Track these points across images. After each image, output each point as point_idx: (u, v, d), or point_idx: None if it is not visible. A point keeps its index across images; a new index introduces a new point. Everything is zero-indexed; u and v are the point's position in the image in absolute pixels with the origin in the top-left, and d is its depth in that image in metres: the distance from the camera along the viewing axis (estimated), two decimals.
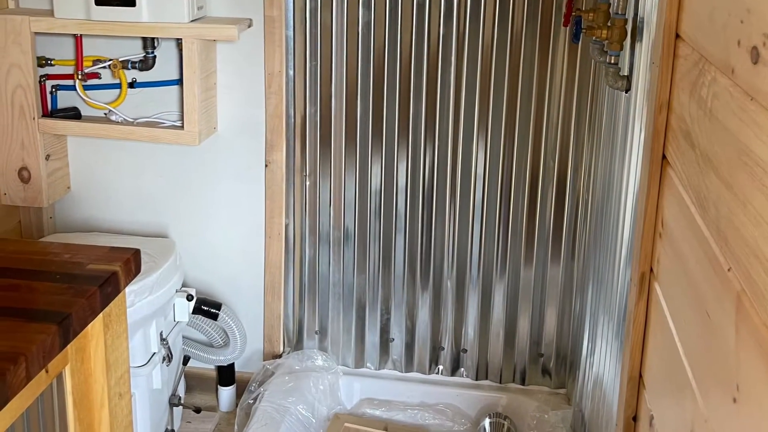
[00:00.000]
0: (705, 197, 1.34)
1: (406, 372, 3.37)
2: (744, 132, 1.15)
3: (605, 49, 2.22)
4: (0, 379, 1.23)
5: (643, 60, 2.01)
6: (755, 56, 1.11)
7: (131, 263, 1.66)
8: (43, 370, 1.38)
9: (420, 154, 3.12)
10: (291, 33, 3.05)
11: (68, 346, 1.45)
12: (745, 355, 1.09)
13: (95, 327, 1.56)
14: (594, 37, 2.23)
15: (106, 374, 1.61)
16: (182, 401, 3.15)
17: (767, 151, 1.04)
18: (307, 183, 3.20)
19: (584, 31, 2.23)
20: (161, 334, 2.88)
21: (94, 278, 1.55)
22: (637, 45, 2.09)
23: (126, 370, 1.71)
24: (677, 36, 1.64)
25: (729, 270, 1.19)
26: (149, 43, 3.02)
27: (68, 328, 1.41)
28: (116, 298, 1.61)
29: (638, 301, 1.79)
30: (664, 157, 1.70)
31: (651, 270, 1.76)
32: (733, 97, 1.21)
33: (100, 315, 1.56)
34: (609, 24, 2.20)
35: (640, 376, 1.83)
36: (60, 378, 1.51)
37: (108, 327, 1.61)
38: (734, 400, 1.13)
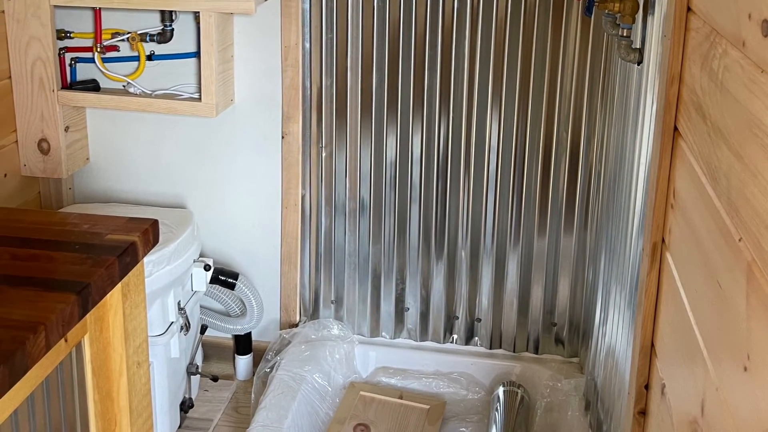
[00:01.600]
0: (716, 168, 1.34)
1: (420, 341, 3.38)
2: (755, 104, 1.14)
3: (617, 22, 2.21)
4: (20, 348, 1.23)
5: (655, 33, 2.00)
6: (766, 29, 1.11)
7: (149, 234, 1.66)
8: (63, 339, 1.38)
9: (434, 125, 3.12)
10: (307, 6, 3.04)
11: (87, 315, 1.46)
12: (756, 324, 1.09)
13: (114, 296, 1.57)
14: (606, 10, 2.22)
15: (124, 343, 1.62)
16: (200, 370, 3.16)
17: None
18: (323, 154, 3.20)
19: (597, 4, 2.21)
20: (179, 304, 2.90)
21: (113, 248, 1.55)
22: (649, 18, 2.08)
23: (144, 339, 1.72)
24: (689, 9, 1.64)
25: (740, 240, 1.18)
26: (167, 16, 3.03)
27: (87, 297, 1.42)
28: (134, 268, 1.62)
29: (650, 271, 1.79)
30: (675, 128, 1.69)
31: (663, 240, 1.76)
32: (744, 69, 1.21)
33: (119, 285, 1.56)
34: None
35: (652, 345, 1.83)
36: (79, 347, 1.51)
37: (126, 296, 1.61)
38: (745, 369, 1.13)
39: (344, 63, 3.09)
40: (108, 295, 1.53)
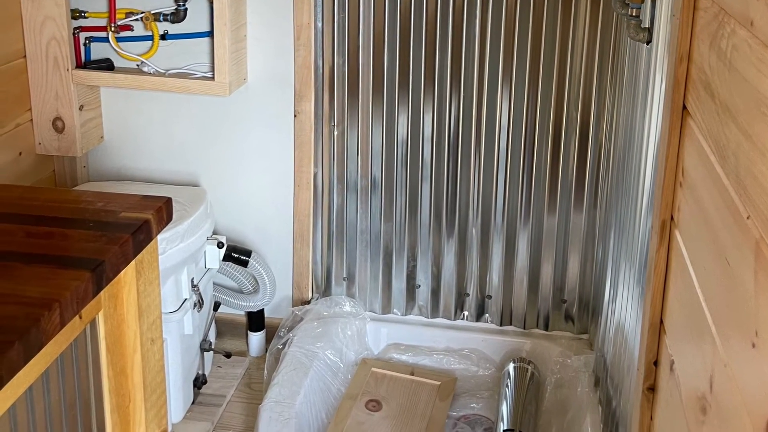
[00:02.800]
0: (724, 146, 1.34)
1: (432, 318, 3.38)
2: (763, 82, 1.14)
3: (627, 2, 2.21)
4: (34, 325, 1.24)
5: (664, 12, 1.99)
6: None
7: (163, 211, 1.67)
8: (77, 316, 1.39)
9: (445, 104, 3.12)
10: None
11: (101, 292, 1.46)
12: (764, 301, 1.09)
13: (128, 274, 1.57)
14: None
15: (138, 320, 1.63)
16: (213, 346, 3.18)
17: None
18: (335, 133, 3.21)
19: None
20: (192, 281, 2.91)
21: (127, 226, 1.56)
22: None
23: (158, 316, 1.73)
24: None
25: (748, 218, 1.18)
26: None
27: (101, 274, 1.42)
28: (148, 246, 1.62)
29: (659, 248, 1.79)
30: (684, 107, 1.69)
31: (672, 218, 1.76)
32: (752, 48, 1.20)
33: (133, 262, 1.57)
34: None
35: (661, 321, 1.83)
36: (93, 324, 1.52)
37: (140, 274, 1.62)
38: (753, 345, 1.13)
39: (356, 42, 3.09)
40: (122, 272, 1.53)
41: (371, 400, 3.05)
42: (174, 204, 2.84)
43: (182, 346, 2.92)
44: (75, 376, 1.49)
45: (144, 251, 1.60)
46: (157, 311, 1.73)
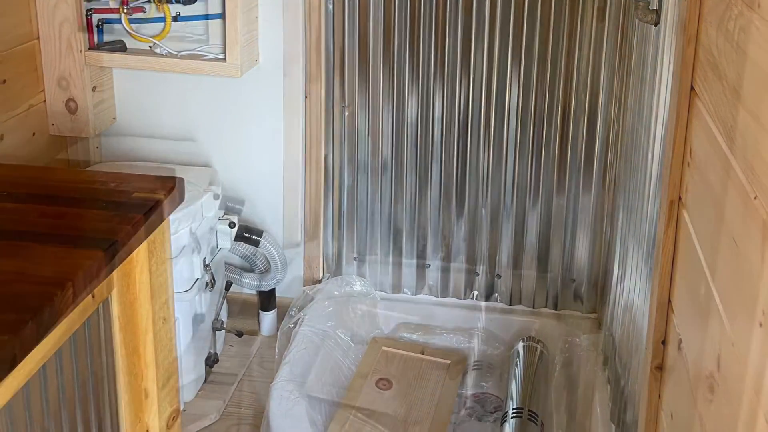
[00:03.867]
0: (732, 128, 1.34)
1: (441, 297, 3.40)
2: None
3: None
4: (48, 304, 1.25)
5: None
6: None
7: (175, 192, 1.68)
8: (90, 296, 1.40)
9: (456, 85, 3.13)
10: None
11: (114, 272, 1.47)
12: None
13: (140, 254, 1.58)
14: None
15: (150, 300, 1.64)
16: (224, 325, 3.19)
17: None
18: (346, 114, 3.21)
19: None
20: (204, 261, 2.92)
21: (139, 206, 1.57)
22: None
23: (170, 295, 1.74)
24: None
25: (755, 198, 1.18)
26: None
27: (114, 254, 1.43)
28: (160, 226, 1.63)
29: (667, 228, 1.79)
30: (692, 88, 1.69)
31: (679, 198, 1.76)
32: (760, 30, 1.20)
33: (145, 242, 1.57)
34: None
35: (669, 301, 1.84)
36: (106, 303, 1.53)
37: (152, 254, 1.63)
38: (760, 325, 1.13)
39: (366, 24, 3.10)
40: (134, 252, 1.54)
41: (382, 379, 3.07)
42: (186, 184, 2.86)
43: (194, 326, 2.93)
44: (88, 355, 1.50)
45: (156, 231, 1.61)
46: (169, 291, 1.74)
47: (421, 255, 3.36)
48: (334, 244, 3.40)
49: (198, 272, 2.88)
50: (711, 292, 1.43)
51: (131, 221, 1.50)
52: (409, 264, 3.38)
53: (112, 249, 1.42)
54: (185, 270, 2.83)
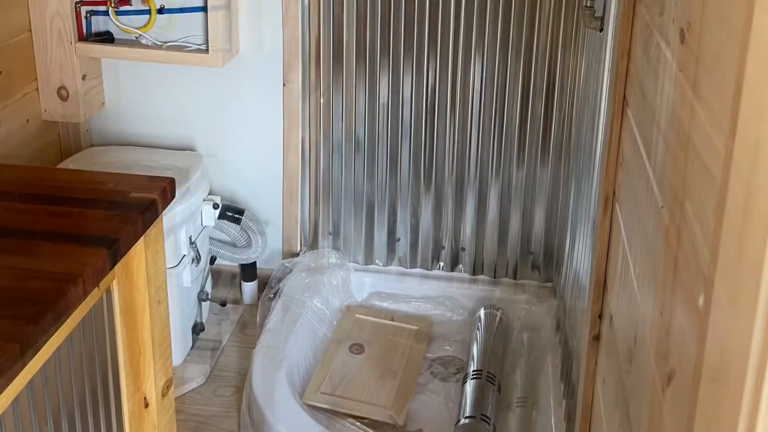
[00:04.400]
0: (649, 141, 1.49)
1: (410, 268, 3.51)
2: (674, 96, 1.29)
3: None
4: (63, 298, 1.41)
5: (614, 5, 2.09)
6: (682, 36, 1.26)
7: (167, 191, 1.81)
8: (96, 287, 1.56)
9: (423, 69, 3.23)
10: None
11: (116, 265, 1.63)
12: (669, 281, 1.24)
13: (138, 247, 1.73)
14: None
15: (147, 285, 1.78)
16: (209, 296, 3.28)
17: (688, 117, 1.19)
18: (322, 100, 3.31)
19: None
20: (190, 238, 3.02)
21: (137, 205, 1.71)
22: None
23: (163, 280, 1.89)
24: None
25: (662, 207, 1.34)
26: None
27: (116, 251, 1.58)
28: (155, 222, 1.79)
29: (603, 218, 1.95)
30: (624, 97, 1.83)
31: (614, 193, 1.92)
32: (669, 64, 1.35)
33: (142, 237, 1.73)
34: None
35: (605, 280, 2.00)
36: (109, 291, 1.68)
37: (148, 246, 1.78)
38: (661, 314, 1.30)
39: (341, 16, 3.19)
40: (133, 247, 1.70)
41: (355, 344, 3.18)
42: (172, 168, 3.00)
43: (181, 297, 3.03)
44: (94, 337, 1.65)
45: (152, 227, 1.77)
46: (163, 276, 1.89)
47: (392, 229, 3.46)
48: (310, 219, 3.50)
49: (184, 249, 3.00)
50: (632, 278, 1.59)
51: (130, 220, 1.65)
52: (380, 237, 3.48)
53: (114, 246, 1.57)
54: (173, 247, 2.94)
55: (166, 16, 3.22)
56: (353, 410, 2.87)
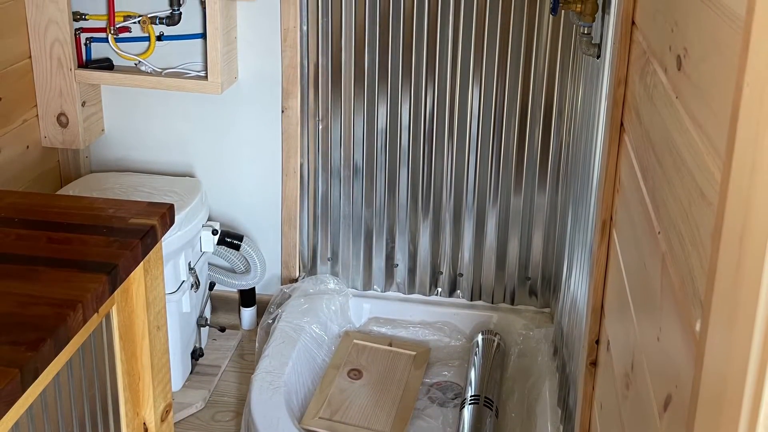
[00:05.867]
0: (646, 167, 1.49)
1: (408, 294, 3.52)
2: (671, 122, 1.29)
3: (579, 21, 2.35)
4: (63, 323, 1.41)
5: (610, 33, 2.11)
6: (679, 63, 1.26)
7: (166, 217, 1.82)
8: (95, 313, 1.56)
9: (421, 96, 3.24)
10: None
11: (116, 291, 1.63)
12: (666, 305, 1.25)
13: (137, 272, 1.73)
14: (570, 10, 2.36)
15: (146, 311, 1.78)
16: (208, 322, 3.28)
17: (684, 144, 1.20)
18: (320, 126, 3.32)
19: (561, 4, 2.35)
20: (189, 264, 3.03)
21: (136, 231, 1.71)
22: (606, 17, 2.20)
23: (162, 306, 1.89)
24: (633, 23, 1.77)
25: (659, 233, 1.34)
26: (175, 1, 3.13)
27: (116, 276, 1.58)
28: (155, 248, 1.79)
29: (600, 244, 1.95)
30: (621, 124, 1.83)
31: (611, 218, 1.92)
32: (666, 91, 1.35)
33: (141, 263, 1.73)
34: None
35: (602, 306, 2.00)
36: (108, 317, 1.68)
37: (147, 271, 1.78)
38: (658, 339, 1.30)
39: (339, 43, 3.20)
40: (132, 272, 1.70)
41: (353, 369, 3.17)
42: (171, 194, 3.00)
43: (181, 323, 3.04)
44: (93, 362, 1.65)
45: (151, 252, 1.77)
46: (162, 302, 1.89)
47: (390, 255, 3.47)
48: (309, 245, 3.50)
49: (184, 275, 3.00)
50: (629, 304, 1.59)
51: (130, 246, 1.66)
52: (378, 263, 3.49)
53: (114, 272, 1.58)
54: (172, 273, 2.95)
55: (165, 42, 3.23)
56: None
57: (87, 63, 3.25)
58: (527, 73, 3.18)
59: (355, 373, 3.17)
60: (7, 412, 1.26)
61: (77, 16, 3.18)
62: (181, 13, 3.17)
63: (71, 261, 1.61)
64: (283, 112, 3.28)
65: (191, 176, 3.42)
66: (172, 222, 1.85)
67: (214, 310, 3.56)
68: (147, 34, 3.22)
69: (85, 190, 3.12)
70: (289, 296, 3.37)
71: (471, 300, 3.49)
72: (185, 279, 3.02)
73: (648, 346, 1.37)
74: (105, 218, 1.78)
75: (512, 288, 3.45)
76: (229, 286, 3.49)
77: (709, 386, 0.92)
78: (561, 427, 2.63)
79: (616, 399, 1.67)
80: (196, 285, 3.08)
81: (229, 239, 3.32)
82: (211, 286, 3.38)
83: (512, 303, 3.47)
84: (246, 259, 3.42)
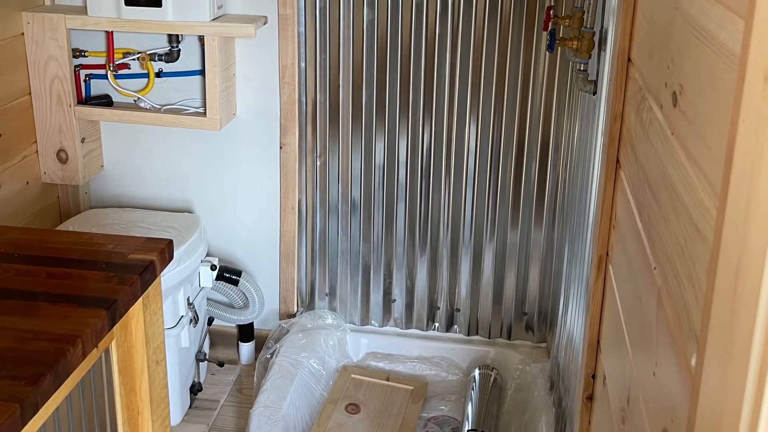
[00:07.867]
0: (641, 203, 1.50)
1: (406, 329, 3.51)
2: (666, 158, 1.30)
3: (575, 58, 2.37)
4: (62, 358, 1.41)
5: (606, 69, 2.12)
6: (674, 100, 1.27)
7: (165, 252, 1.82)
8: (95, 348, 1.56)
9: (419, 132, 3.25)
10: (303, 29, 3.17)
11: (115, 326, 1.64)
12: (662, 341, 1.26)
13: (136, 307, 1.73)
14: (566, 47, 2.38)
15: (145, 346, 1.78)
16: (207, 356, 3.28)
17: (680, 180, 1.21)
18: (318, 162, 3.33)
19: (558, 42, 2.37)
20: (188, 299, 3.03)
21: (135, 267, 1.72)
22: (602, 54, 2.22)
23: (161, 341, 1.89)
24: (629, 60, 1.79)
25: (654, 269, 1.35)
26: (174, 39, 3.16)
27: (115, 312, 1.59)
28: (153, 283, 1.79)
29: (596, 279, 1.96)
30: (617, 160, 1.84)
31: (607, 254, 1.93)
32: (661, 127, 1.36)
33: (140, 298, 1.74)
34: (579, 36, 2.34)
35: (598, 341, 2.00)
36: (107, 351, 1.68)
37: (146, 306, 1.78)
38: (653, 374, 1.30)
39: (337, 80, 3.22)
40: (132, 307, 1.70)
41: (351, 404, 3.17)
42: (170, 230, 3.01)
43: (180, 358, 3.03)
44: (93, 396, 1.65)
45: (150, 287, 1.77)
46: (161, 337, 1.89)
47: (387, 290, 3.47)
48: (307, 280, 3.50)
49: (182, 310, 3.00)
50: (625, 340, 1.60)
51: (129, 281, 1.66)
52: (376, 298, 3.48)
53: (113, 308, 1.58)
54: (171, 308, 2.95)
55: (164, 79, 3.25)
56: None
57: (86, 99, 3.26)
58: (524, 110, 3.19)
59: (353, 408, 3.16)
60: None
61: (77, 53, 3.20)
62: (179, 49, 3.19)
63: (71, 296, 1.61)
64: (281, 148, 3.29)
65: (190, 212, 3.42)
66: (170, 257, 1.86)
67: (212, 344, 3.55)
68: (146, 71, 3.24)
69: (84, 226, 3.12)
70: (288, 331, 3.36)
71: (468, 335, 3.49)
72: (184, 314, 3.02)
73: (644, 380, 1.38)
74: (104, 254, 1.78)
75: (509, 323, 3.45)
76: (228, 321, 3.49)
77: (705, 421, 0.92)
78: None
79: None
80: (195, 320, 3.08)
81: (228, 274, 3.33)
82: (210, 321, 3.37)
83: (509, 338, 3.46)
84: (244, 294, 3.41)
